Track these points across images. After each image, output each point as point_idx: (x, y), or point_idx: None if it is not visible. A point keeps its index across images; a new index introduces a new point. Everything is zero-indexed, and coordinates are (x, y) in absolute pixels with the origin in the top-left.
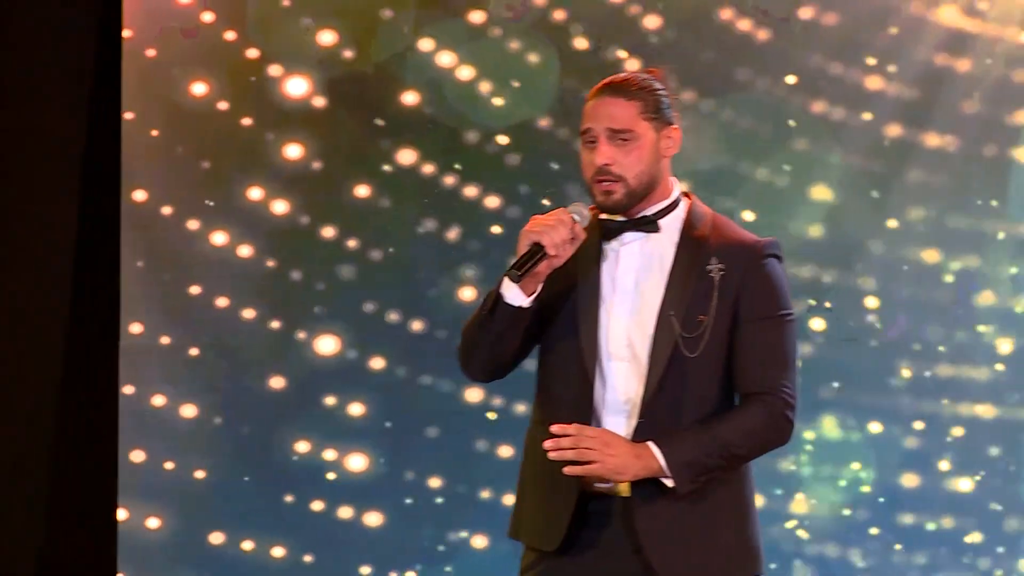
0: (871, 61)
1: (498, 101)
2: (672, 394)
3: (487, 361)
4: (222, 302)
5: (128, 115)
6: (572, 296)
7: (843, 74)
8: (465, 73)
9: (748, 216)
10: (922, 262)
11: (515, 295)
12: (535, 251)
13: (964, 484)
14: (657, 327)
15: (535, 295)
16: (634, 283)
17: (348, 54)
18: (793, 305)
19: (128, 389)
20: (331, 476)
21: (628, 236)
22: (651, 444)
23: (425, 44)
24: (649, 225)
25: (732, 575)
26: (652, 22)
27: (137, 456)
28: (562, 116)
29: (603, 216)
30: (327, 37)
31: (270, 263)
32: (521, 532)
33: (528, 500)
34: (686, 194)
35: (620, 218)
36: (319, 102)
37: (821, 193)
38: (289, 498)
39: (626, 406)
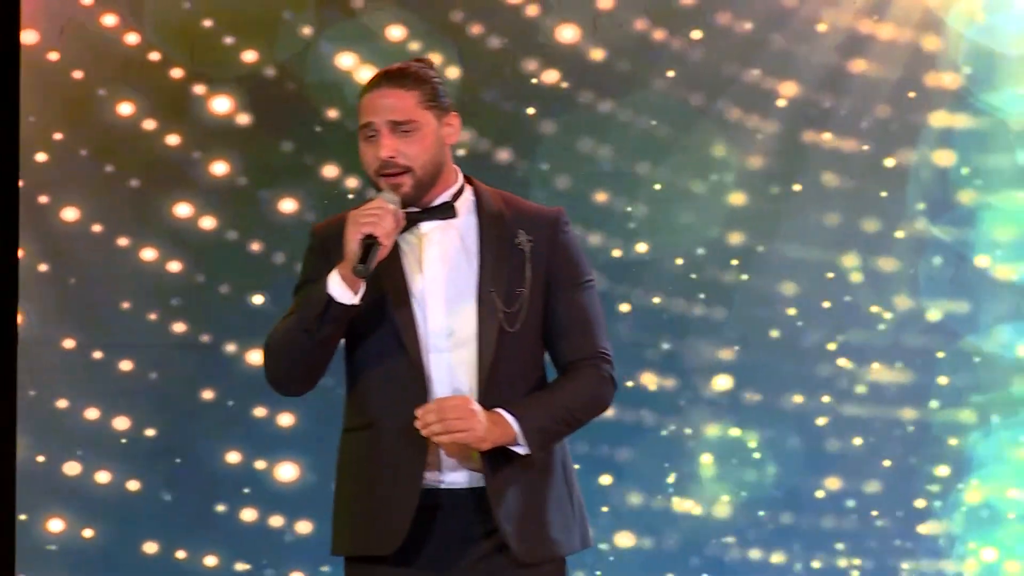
0: (769, 63)
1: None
2: (505, 371)
3: (310, 371)
4: (152, 316)
5: (31, 118)
6: (376, 293)
7: (742, 76)
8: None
9: (644, 212)
10: (824, 263)
11: (344, 294)
12: (371, 243)
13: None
14: (479, 308)
15: (362, 291)
16: (445, 271)
17: (265, 68)
18: (592, 270)
19: (63, 403)
20: (258, 486)
21: (425, 226)
22: (503, 412)
23: (326, 46)
24: (447, 211)
25: (576, 547)
26: (551, 22)
27: (72, 468)
28: (464, 117)
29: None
30: (249, 55)
31: (200, 278)
32: (352, 544)
33: (356, 509)
34: (467, 177)
35: (415, 209)
36: (221, 106)
37: (721, 195)
38: (221, 507)
39: (461, 392)
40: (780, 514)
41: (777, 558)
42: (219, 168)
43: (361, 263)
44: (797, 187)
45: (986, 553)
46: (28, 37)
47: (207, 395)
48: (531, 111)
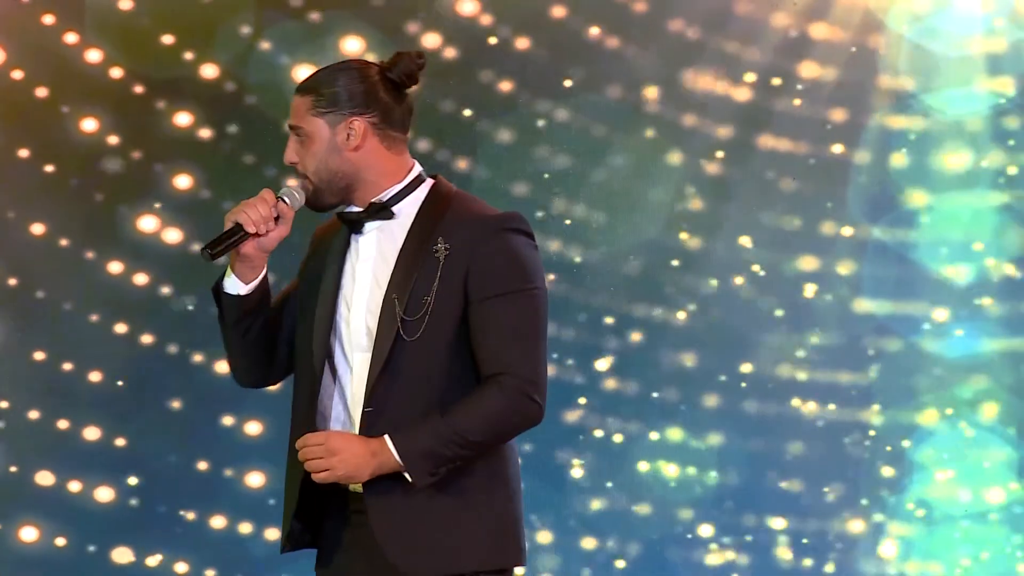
0: (713, 64)
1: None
2: (398, 379)
3: (243, 362)
4: (120, 328)
5: None
6: (317, 291)
7: (685, 76)
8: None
9: (599, 218)
10: (770, 264)
11: (232, 284)
12: (233, 230)
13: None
14: (380, 314)
15: (255, 282)
16: (371, 272)
17: (225, 82)
18: (537, 280)
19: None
20: (227, 493)
21: (369, 226)
22: (386, 438)
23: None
24: (382, 212)
25: (478, 567)
26: (487, 20)
27: (44, 478)
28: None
29: (341, 211)
30: (208, 69)
31: (165, 290)
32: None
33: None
34: (433, 176)
35: (353, 209)
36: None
37: (663, 196)
38: (190, 515)
39: (358, 396)
40: (732, 515)
41: (721, 558)
42: (183, 181)
43: (206, 247)
44: (743, 189)
45: (936, 554)
46: None
47: (176, 404)
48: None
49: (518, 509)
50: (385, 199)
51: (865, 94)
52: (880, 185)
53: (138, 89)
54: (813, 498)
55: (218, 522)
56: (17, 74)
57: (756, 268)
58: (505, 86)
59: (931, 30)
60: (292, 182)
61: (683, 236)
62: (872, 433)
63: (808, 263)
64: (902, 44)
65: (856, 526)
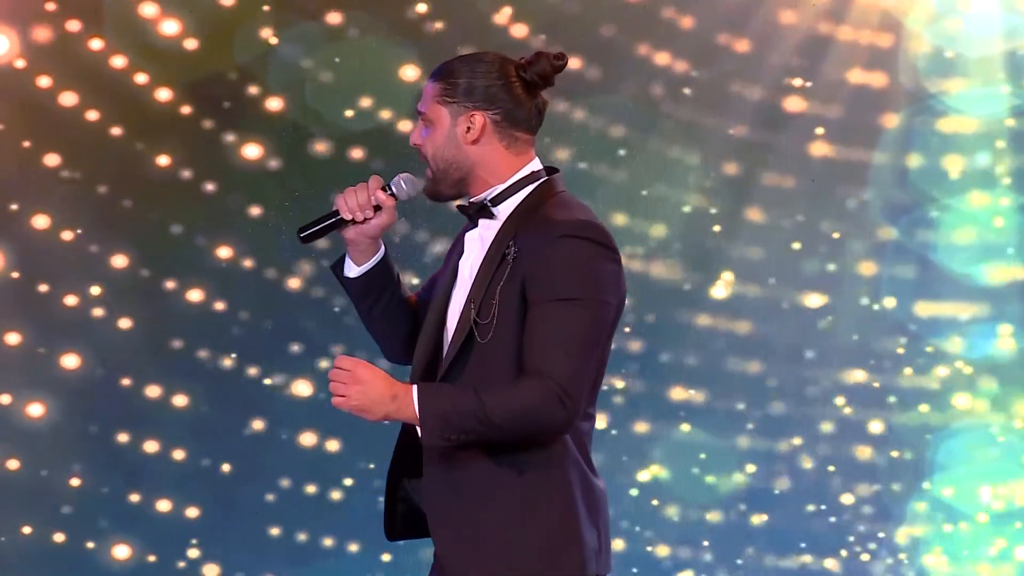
0: (731, 65)
1: (361, 103)
2: (465, 380)
3: (378, 337)
4: (98, 311)
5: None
6: (441, 283)
7: (704, 78)
8: (324, 76)
9: (618, 219)
10: (788, 265)
11: (347, 266)
12: (329, 215)
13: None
14: (461, 313)
15: (367, 266)
16: (468, 271)
17: (210, 58)
18: (596, 291)
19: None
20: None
21: (481, 223)
22: (413, 388)
23: (283, 46)
24: (484, 210)
25: (514, 571)
26: (503, 16)
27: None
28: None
29: (460, 204)
30: (190, 44)
31: (144, 272)
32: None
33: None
34: (549, 178)
35: (465, 202)
36: (185, 110)
37: (679, 195)
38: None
39: None
40: (746, 515)
41: (737, 558)
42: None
43: (301, 229)
44: (760, 189)
45: (950, 553)
46: None
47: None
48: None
49: (580, 522)
50: (489, 198)
51: (883, 94)
52: (899, 186)
53: (141, 79)
54: (829, 498)
55: (164, 505)
56: (44, 81)
57: (772, 269)
58: None
59: (950, 31)
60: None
61: (696, 236)
62: (892, 433)
63: (827, 264)
64: (921, 45)
65: (876, 525)
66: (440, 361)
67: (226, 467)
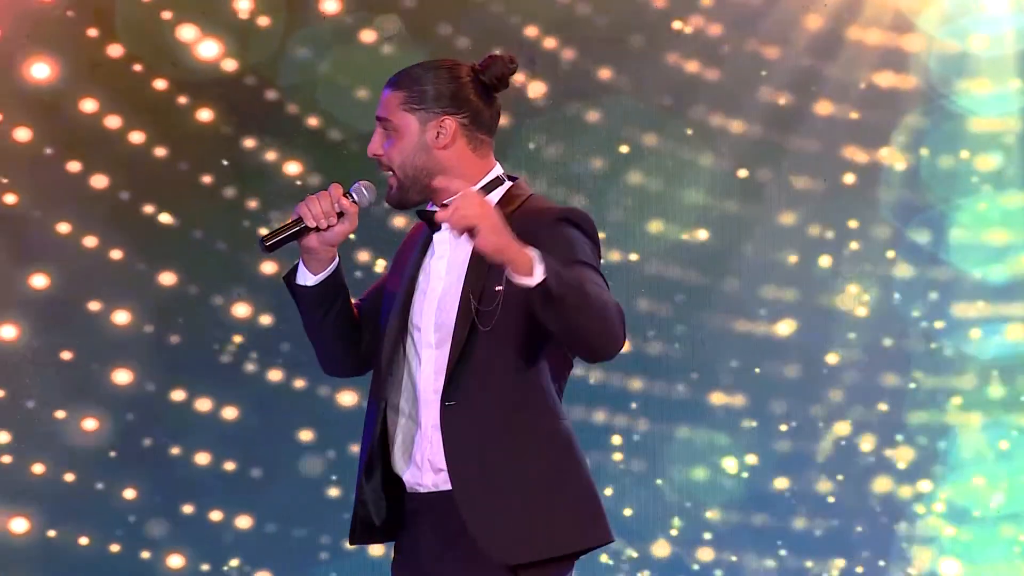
0: (740, 65)
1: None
2: (475, 371)
3: (322, 350)
4: (94, 306)
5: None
6: (400, 284)
7: (713, 79)
8: (336, 77)
9: (616, 217)
10: (797, 265)
11: (302, 275)
12: (293, 223)
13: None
14: (459, 307)
15: (323, 275)
16: (446, 270)
17: (223, 59)
18: (596, 262)
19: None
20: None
21: (445, 225)
22: (527, 247)
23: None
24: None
25: (577, 547)
26: (518, 21)
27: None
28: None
29: (421, 209)
30: (209, 48)
31: (192, 289)
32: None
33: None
34: (511, 177)
35: (432, 208)
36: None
37: (693, 197)
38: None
39: (427, 392)
40: (757, 514)
41: (750, 559)
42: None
43: (263, 238)
44: (768, 189)
45: (963, 555)
46: None
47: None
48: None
49: (595, 490)
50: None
51: (895, 94)
52: (911, 186)
53: (160, 85)
54: (845, 498)
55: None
56: (89, 104)
57: (781, 269)
58: (538, 88)
59: (962, 31)
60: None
61: (705, 236)
62: (903, 432)
63: (839, 264)
64: (934, 45)
65: (890, 527)
66: (396, 362)
67: (275, 477)
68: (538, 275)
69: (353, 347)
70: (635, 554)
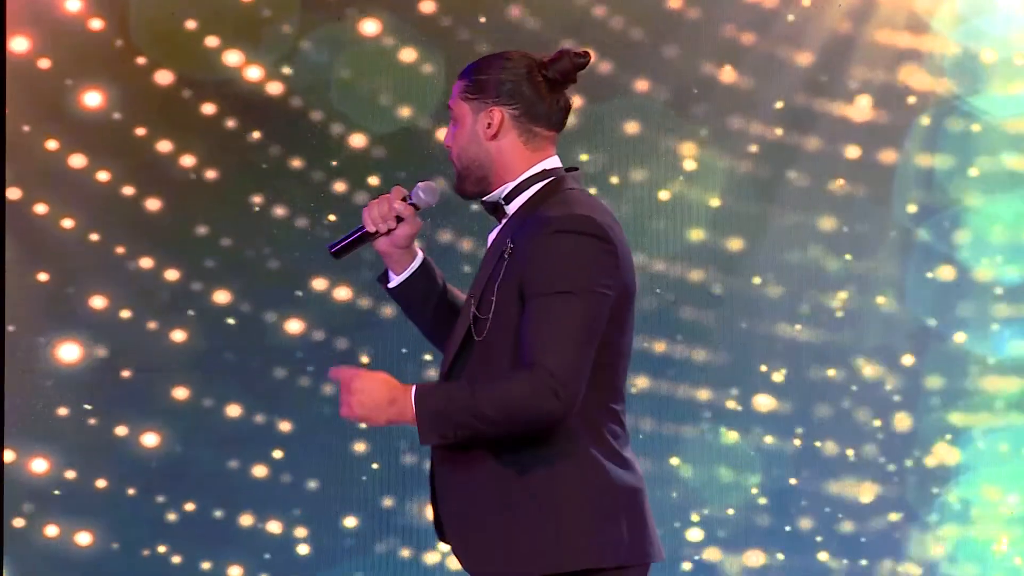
0: (754, 65)
1: (383, 104)
2: (464, 375)
3: (439, 344)
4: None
5: (25, 128)
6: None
7: (726, 78)
8: (350, 76)
9: (629, 218)
10: (812, 266)
11: (390, 278)
12: (356, 229)
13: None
14: (461, 312)
15: (404, 276)
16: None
17: (241, 64)
18: (588, 282)
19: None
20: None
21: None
22: (412, 390)
23: (309, 47)
24: (496, 209)
25: (535, 569)
26: (533, 24)
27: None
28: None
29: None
30: (234, 58)
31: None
32: None
33: None
34: (558, 177)
35: (487, 200)
36: (209, 110)
37: (706, 198)
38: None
39: None
40: (768, 515)
41: (757, 559)
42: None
43: (330, 244)
44: (784, 190)
45: (970, 552)
46: (17, 44)
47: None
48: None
49: (583, 513)
50: (502, 195)
51: (909, 95)
52: (923, 187)
53: (149, 66)
54: (853, 498)
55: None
56: (69, 81)
57: (796, 270)
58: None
59: (977, 32)
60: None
61: (719, 238)
62: (915, 433)
63: (852, 265)
64: (948, 46)
65: (898, 528)
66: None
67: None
68: (423, 441)
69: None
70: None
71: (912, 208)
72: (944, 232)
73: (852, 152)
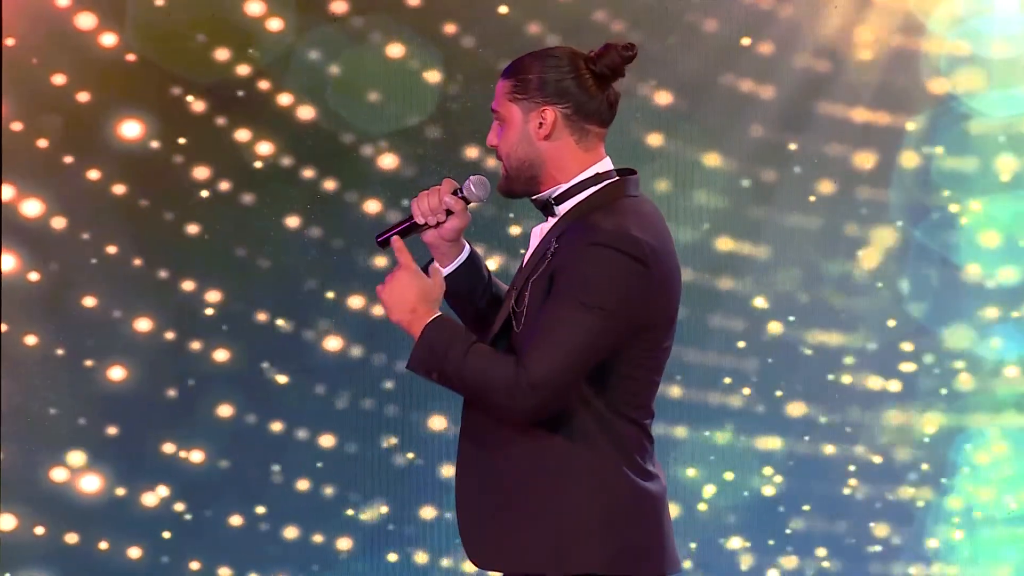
0: (750, 67)
1: (380, 106)
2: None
3: (478, 329)
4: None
5: (15, 126)
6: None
7: (722, 80)
8: (346, 78)
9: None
10: (808, 266)
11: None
12: (404, 220)
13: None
14: (503, 305)
15: (451, 268)
16: (526, 264)
17: (229, 62)
18: (608, 300)
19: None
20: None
21: (551, 219)
22: (432, 315)
23: (306, 49)
24: (545, 208)
25: (541, 570)
26: (535, 28)
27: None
28: (446, 120)
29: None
30: (226, 58)
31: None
32: None
33: None
34: (624, 171)
35: (538, 198)
36: (199, 107)
37: (701, 198)
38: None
39: None
40: (775, 518)
41: (771, 561)
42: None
43: (378, 234)
44: (780, 190)
45: (980, 559)
46: (8, 41)
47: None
48: None
49: (598, 512)
50: (553, 196)
51: (905, 95)
52: (922, 187)
53: (176, 91)
54: (855, 502)
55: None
56: (59, 79)
57: (796, 270)
58: None
59: (973, 32)
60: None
61: (715, 238)
62: (914, 434)
63: (849, 266)
64: (944, 46)
65: (900, 530)
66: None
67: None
68: (412, 369)
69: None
70: None
71: (908, 210)
72: (942, 232)
73: (850, 152)
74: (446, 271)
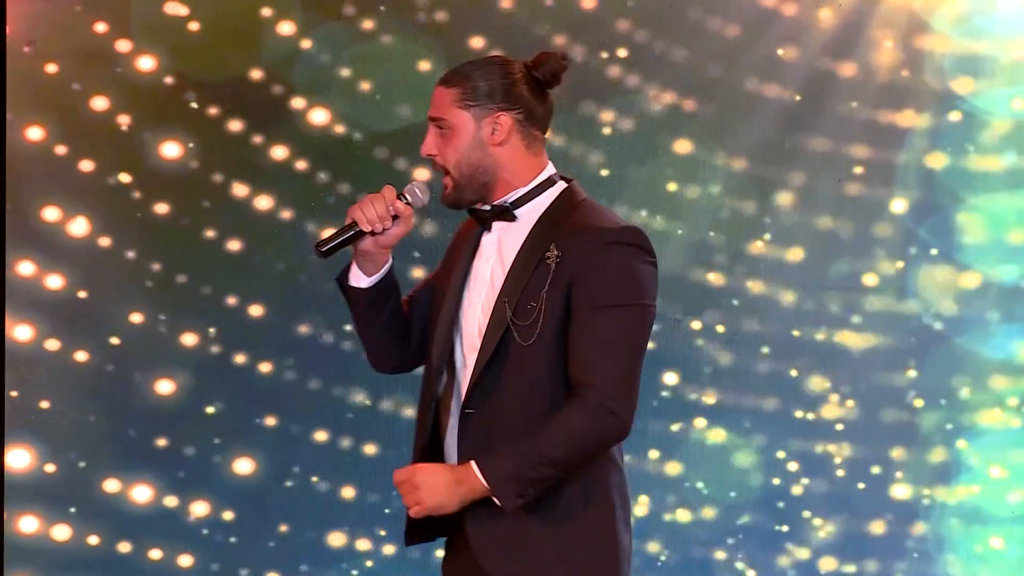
0: (754, 65)
1: (384, 105)
2: (502, 382)
3: (374, 348)
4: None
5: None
6: (450, 285)
7: (726, 78)
8: (351, 77)
9: (633, 216)
10: (811, 265)
11: (355, 277)
12: (348, 227)
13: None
14: (491, 314)
15: (376, 277)
16: (489, 273)
17: (237, 62)
18: (640, 295)
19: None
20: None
21: (496, 225)
22: (472, 464)
23: (309, 47)
24: (504, 213)
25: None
26: (542, 28)
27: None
28: None
29: (473, 208)
30: (236, 60)
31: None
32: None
33: None
34: (566, 179)
35: (483, 208)
36: (196, 104)
37: (706, 195)
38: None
39: (460, 393)
40: (766, 514)
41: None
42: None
43: (319, 243)
44: (782, 190)
45: (973, 552)
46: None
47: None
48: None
49: (617, 525)
50: (510, 201)
51: (909, 94)
52: (926, 187)
53: (157, 71)
54: (856, 497)
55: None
56: (76, 86)
57: (794, 269)
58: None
59: (977, 31)
60: (420, 178)
61: (718, 238)
62: (915, 433)
63: (853, 264)
64: (948, 45)
65: (900, 526)
66: (453, 363)
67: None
68: (508, 507)
69: (403, 343)
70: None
71: (911, 207)
72: (945, 231)
73: (853, 151)
74: (374, 279)
